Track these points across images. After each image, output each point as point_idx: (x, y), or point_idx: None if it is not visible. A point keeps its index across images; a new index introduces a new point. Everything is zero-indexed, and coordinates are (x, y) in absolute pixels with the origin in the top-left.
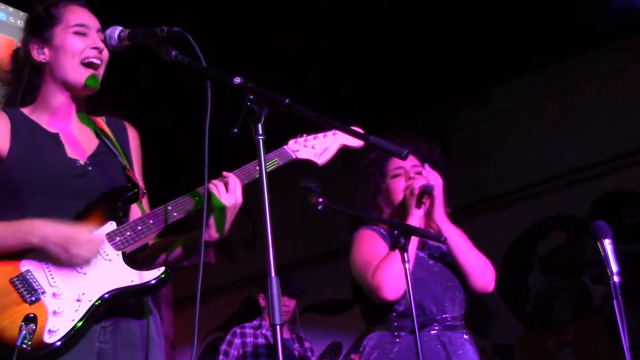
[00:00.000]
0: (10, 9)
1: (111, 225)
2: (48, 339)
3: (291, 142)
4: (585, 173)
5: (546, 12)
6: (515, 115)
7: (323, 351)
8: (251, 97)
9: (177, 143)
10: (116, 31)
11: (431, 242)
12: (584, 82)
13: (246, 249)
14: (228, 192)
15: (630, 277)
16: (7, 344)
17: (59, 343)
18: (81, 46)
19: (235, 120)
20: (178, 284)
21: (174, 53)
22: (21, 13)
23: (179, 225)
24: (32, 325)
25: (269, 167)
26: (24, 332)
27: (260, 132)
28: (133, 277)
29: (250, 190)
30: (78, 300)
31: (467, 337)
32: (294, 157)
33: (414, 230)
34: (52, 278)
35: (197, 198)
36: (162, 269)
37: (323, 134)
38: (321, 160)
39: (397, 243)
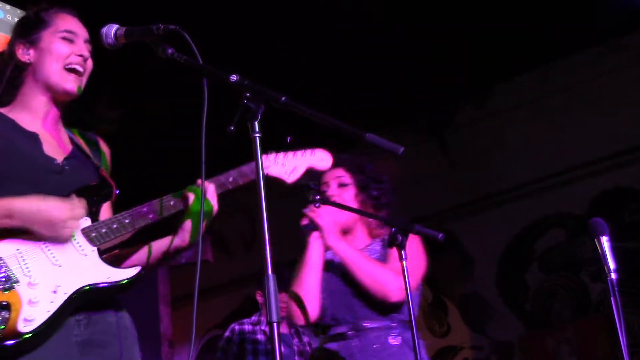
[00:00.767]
0: (7, 6)
1: (86, 221)
2: (23, 327)
3: (262, 157)
4: (583, 170)
5: (546, 11)
6: (515, 113)
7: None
8: (247, 94)
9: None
10: (112, 29)
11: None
12: (583, 81)
13: (245, 249)
14: (208, 197)
15: (629, 274)
16: None
17: (30, 334)
18: (67, 51)
19: (232, 118)
20: (176, 282)
21: (170, 51)
22: (18, 11)
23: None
24: (5, 313)
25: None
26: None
27: (257, 130)
28: (109, 274)
29: (250, 189)
30: (54, 292)
31: (394, 340)
32: (265, 172)
33: (411, 228)
34: (27, 267)
35: (177, 196)
36: (138, 268)
37: (292, 153)
38: (290, 178)
39: (394, 240)
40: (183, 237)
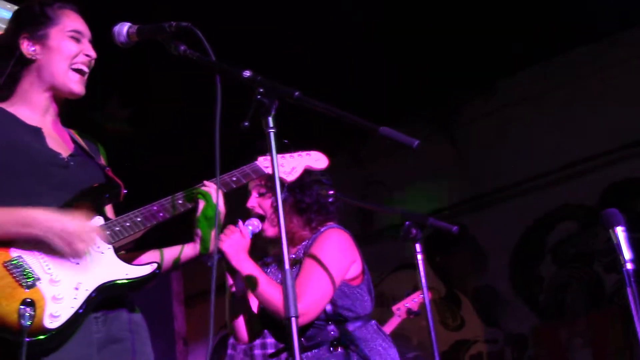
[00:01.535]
0: (13, 6)
1: (99, 220)
2: (49, 323)
3: (261, 158)
4: (594, 162)
5: (548, 6)
6: (522, 106)
7: None
8: (261, 90)
9: (180, 140)
10: (125, 27)
11: (270, 262)
12: (589, 74)
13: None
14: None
15: None
16: (5, 327)
17: (56, 330)
18: (75, 50)
19: (245, 113)
20: (189, 280)
21: (182, 48)
22: None
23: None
24: (31, 310)
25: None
26: (27, 314)
27: (271, 125)
28: (127, 271)
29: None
30: (76, 289)
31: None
32: (266, 172)
33: (425, 221)
34: (47, 265)
35: (188, 198)
36: (155, 265)
37: (290, 154)
38: (290, 178)
39: (408, 234)
40: (195, 247)
